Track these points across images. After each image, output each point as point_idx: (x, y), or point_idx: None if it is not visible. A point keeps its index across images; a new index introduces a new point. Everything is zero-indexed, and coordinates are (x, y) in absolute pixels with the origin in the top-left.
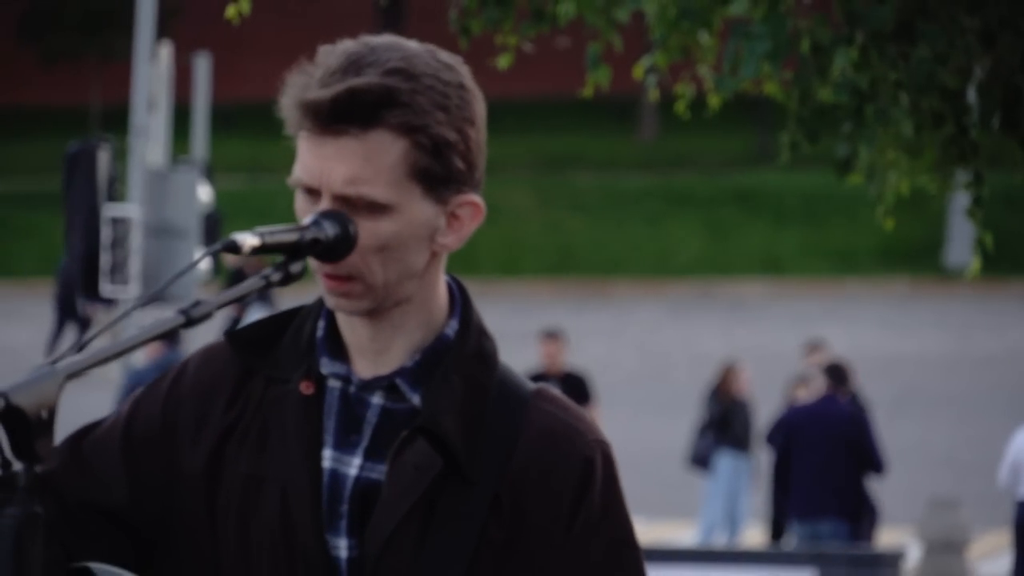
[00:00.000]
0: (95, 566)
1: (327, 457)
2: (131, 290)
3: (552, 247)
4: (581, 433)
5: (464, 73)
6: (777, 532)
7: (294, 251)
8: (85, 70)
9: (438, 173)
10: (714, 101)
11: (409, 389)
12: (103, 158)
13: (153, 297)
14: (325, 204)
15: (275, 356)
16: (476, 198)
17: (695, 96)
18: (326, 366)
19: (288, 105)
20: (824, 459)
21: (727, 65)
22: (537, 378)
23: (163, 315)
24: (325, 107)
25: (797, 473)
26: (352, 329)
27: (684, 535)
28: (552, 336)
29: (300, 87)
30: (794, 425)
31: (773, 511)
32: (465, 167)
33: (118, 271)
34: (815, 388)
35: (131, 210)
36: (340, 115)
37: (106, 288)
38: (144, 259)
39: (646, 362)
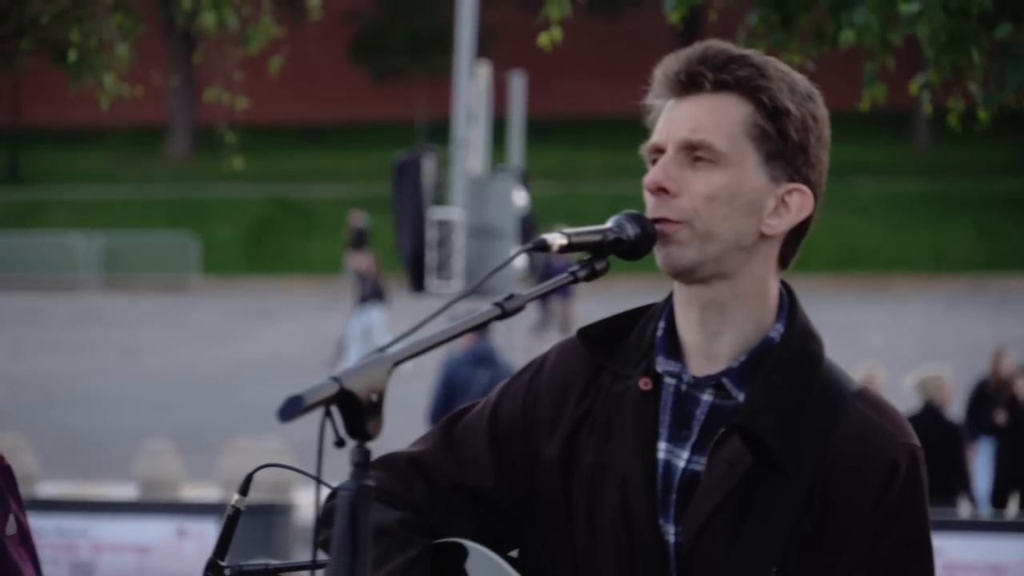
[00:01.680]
0: (465, 542)
1: (662, 449)
2: (454, 285)
3: (837, 246)
4: (892, 436)
5: (810, 85)
6: None
7: (598, 250)
8: (412, 87)
9: (775, 142)
10: (983, 115)
11: (735, 388)
12: (428, 166)
13: (471, 291)
14: (669, 154)
15: (620, 353)
16: (807, 189)
17: (965, 109)
18: (661, 364)
19: (652, 92)
20: None
21: (993, 82)
22: None
23: (480, 307)
24: (682, 69)
25: None
26: (688, 327)
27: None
28: None
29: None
30: None
31: None
32: (800, 148)
33: (443, 268)
34: None
35: (454, 213)
36: (693, 76)
37: (432, 283)
38: (466, 257)
39: (923, 350)
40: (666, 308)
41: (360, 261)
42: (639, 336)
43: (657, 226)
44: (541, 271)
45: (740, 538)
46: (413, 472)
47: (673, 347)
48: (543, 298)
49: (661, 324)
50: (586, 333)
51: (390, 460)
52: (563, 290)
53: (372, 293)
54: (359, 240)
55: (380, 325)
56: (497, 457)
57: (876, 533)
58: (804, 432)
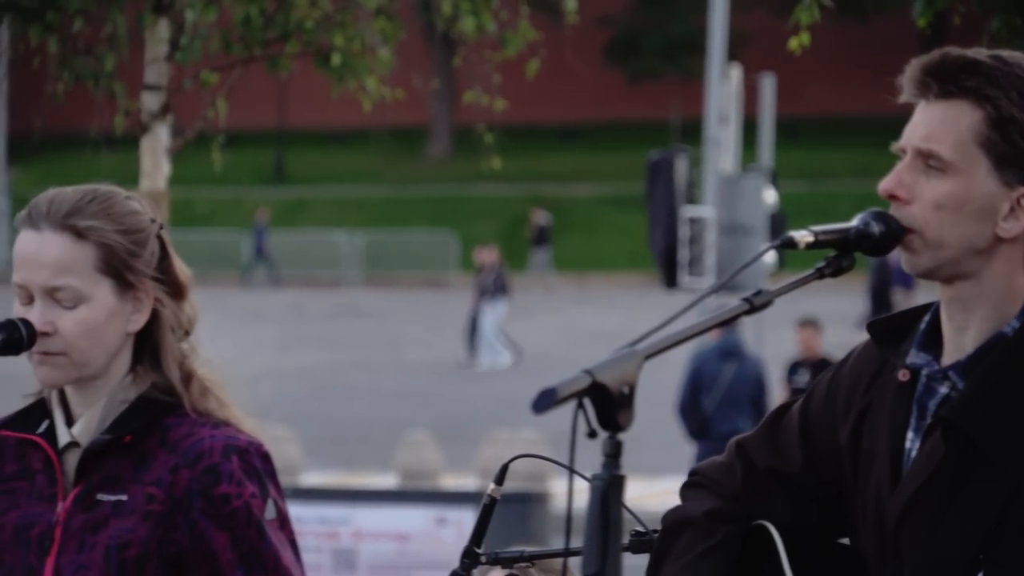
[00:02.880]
0: (769, 525)
1: (908, 439)
2: (706, 281)
3: None
4: None
5: None
6: None
7: (844, 246)
8: (665, 89)
9: (1005, 149)
10: None
11: (959, 379)
12: (681, 166)
13: (721, 286)
14: (907, 160)
15: (901, 345)
16: None
17: None
18: (912, 356)
19: (902, 95)
20: None
21: None
22: (795, 365)
23: (729, 303)
24: (920, 76)
25: None
26: (944, 322)
27: None
28: (808, 324)
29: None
30: None
31: None
32: None
33: (695, 264)
34: None
35: (706, 211)
36: (928, 83)
37: (683, 279)
38: (717, 254)
39: None
40: (938, 303)
41: (484, 255)
42: (916, 329)
43: (900, 248)
44: (876, 268)
45: (942, 524)
46: (737, 457)
47: (931, 340)
48: (876, 293)
49: (926, 318)
50: (872, 326)
51: (729, 444)
52: (905, 281)
53: (496, 287)
54: (541, 237)
55: (500, 319)
56: (805, 442)
57: None
58: (1019, 424)
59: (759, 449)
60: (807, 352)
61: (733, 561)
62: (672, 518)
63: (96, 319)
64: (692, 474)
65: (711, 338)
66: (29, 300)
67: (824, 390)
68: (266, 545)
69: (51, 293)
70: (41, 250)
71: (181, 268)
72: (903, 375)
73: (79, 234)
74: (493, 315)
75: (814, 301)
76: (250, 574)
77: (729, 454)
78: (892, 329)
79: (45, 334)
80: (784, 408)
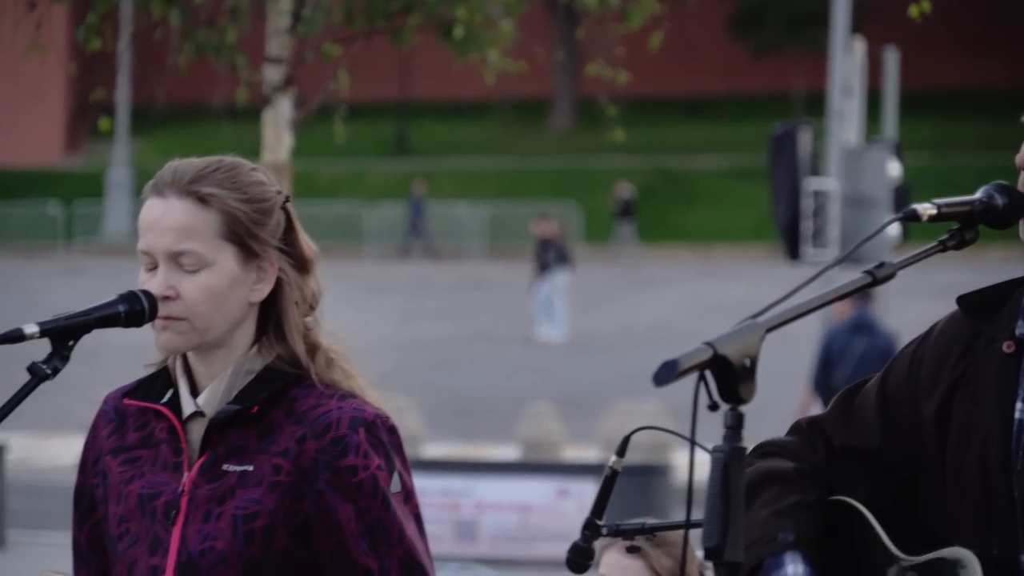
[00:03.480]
0: (852, 502)
1: (1019, 409)
2: (829, 253)
3: None
4: None
5: None
6: None
7: (967, 219)
8: (789, 62)
9: None
10: None
11: None
12: (804, 138)
13: (844, 259)
14: None
15: (995, 319)
16: None
17: None
18: (1020, 327)
19: None
20: None
21: None
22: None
23: (853, 276)
24: None
25: None
26: None
27: None
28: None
29: None
30: None
31: None
32: None
33: (818, 236)
34: None
35: (829, 183)
36: None
37: (807, 252)
38: (841, 226)
39: None
40: None
41: (544, 228)
42: (1014, 303)
43: None
44: None
45: None
46: (814, 434)
47: None
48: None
49: None
50: (965, 300)
51: (797, 424)
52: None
53: (557, 258)
54: (625, 210)
55: (563, 290)
56: (883, 418)
57: None
58: None
59: (834, 426)
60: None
61: (823, 524)
62: (757, 471)
63: (218, 285)
64: (763, 446)
65: (845, 313)
66: (153, 266)
67: (906, 365)
68: (391, 517)
69: (174, 258)
70: (165, 215)
71: (307, 243)
72: (1007, 347)
73: (202, 200)
74: (553, 286)
75: (939, 273)
76: (374, 546)
77: (805, 433)
78: (985, 302)
79: (167, 298)
80: (856, 387)
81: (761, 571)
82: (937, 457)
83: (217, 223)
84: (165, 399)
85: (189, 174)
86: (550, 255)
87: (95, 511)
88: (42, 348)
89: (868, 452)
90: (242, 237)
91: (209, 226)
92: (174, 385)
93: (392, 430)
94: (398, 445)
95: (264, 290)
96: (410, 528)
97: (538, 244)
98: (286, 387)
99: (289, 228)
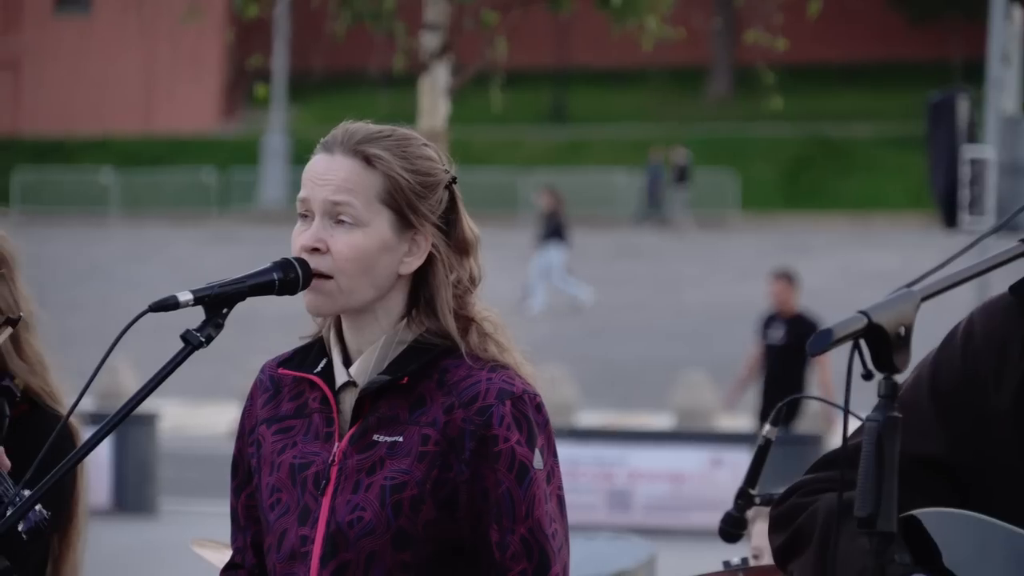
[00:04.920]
0: (921, 513)
1: None
2: (987, 222)
3: None
4: None
5: None
6: None
7: None
8: (947, 29)
9: None
10: None
11: None
12: (962, 106)
13: (1000, 227)
14: None
15: None
16: None
17: None
18: None
19: None
20: None
21: None
22: (769, 319)
23: (1010, 245)
24: None
25: None
26: None
27: None
28: (782, 276)
29: None
30: None
31: None
32: None
33: (975, 205)
34: None
35: (987, 151)
36: None
37: (964, 220)
38: (998, 195)
39: None
40: None
41: (544, 199)
42: None
43: None
44: None
45: None
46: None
47: None
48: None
49: None
50: (1018, 288)
51: (824, 459)
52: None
53: (552, 231)
54: (681, 176)
55: (560, 263)
56: (943, 419)
57: None
58: None
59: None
60: (781, 306)
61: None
62: (827, 504)
63: (368, 246)
64: (805, 485)
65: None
66: (308, 216)
67: (959, 361)
68: (521, 493)
69: (331, 211)
70: (329, 170)
71: (470, 225)
72: None
73: (368, 161)
74: (547, 259)
75: None
76: (499, 518)
77: (838, 463)
78: None
79: (316, 250)
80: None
81: None
82: (1016, 451)
83: (379, 186)
84: (319, 369)
85: (360, 134)
86: (548, 228)
87: (250, 480)
88: (196, 316)
89: (933, 458)
90: (400, 205)
91: (371, 187)
92: (328, 355)
93: (539, 407)
94: (544, 423)
95: (414, 264)
96: (543, 507)
97: (544, 215)
98: (437, 358)
99: (451, 208)
